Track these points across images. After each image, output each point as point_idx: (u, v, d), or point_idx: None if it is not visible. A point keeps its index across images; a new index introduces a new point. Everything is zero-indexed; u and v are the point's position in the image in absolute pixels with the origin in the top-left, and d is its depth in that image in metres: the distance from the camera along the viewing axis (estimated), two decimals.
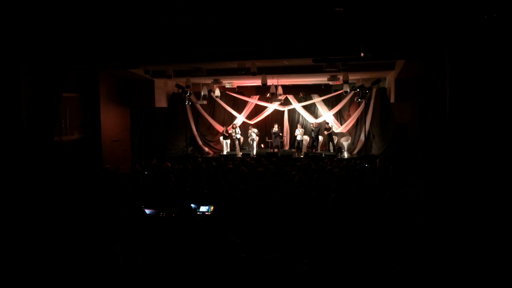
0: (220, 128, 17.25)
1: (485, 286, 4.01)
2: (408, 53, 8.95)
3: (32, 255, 5.01)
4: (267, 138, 17.38)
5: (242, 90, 17.93)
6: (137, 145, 15.87)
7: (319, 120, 16.76)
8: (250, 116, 17.52)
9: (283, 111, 17.46)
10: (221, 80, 15.59)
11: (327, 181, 9.16)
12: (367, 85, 13.42)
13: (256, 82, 14.97)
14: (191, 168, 11.62)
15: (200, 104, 17.08)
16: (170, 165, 12.09)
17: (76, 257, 4.73)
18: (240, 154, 16.15)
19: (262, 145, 17.53)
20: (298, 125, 16.67)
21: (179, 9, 7.17)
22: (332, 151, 16.03)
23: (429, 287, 3.98)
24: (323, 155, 14.83)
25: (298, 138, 16.41)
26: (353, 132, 16.72)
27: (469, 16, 6.62)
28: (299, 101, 17.03)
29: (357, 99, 14.49)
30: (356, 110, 16.16)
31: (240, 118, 17.28)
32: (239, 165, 11.58)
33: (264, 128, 17.96)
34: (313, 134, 16.36)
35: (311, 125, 16.58)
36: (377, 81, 12.53)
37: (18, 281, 4.38)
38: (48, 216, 6.92)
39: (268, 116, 17.65)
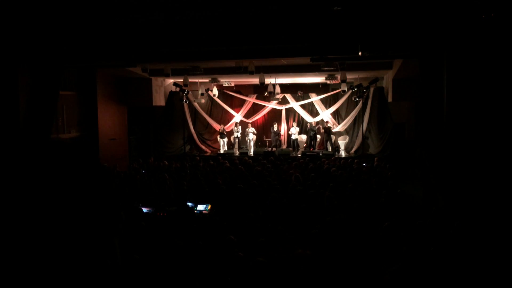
0: (217, 127, 17.24)
1: (483, 285, 4.03)
2: (405, 52, 8.94)
3: (30, 252, 5.00)
4: (264, 137, 17.37)
5: (240, 88, 17.92)
6: (134, 143, 15.84)
7: (317, 119, 16.76)
8: (247, 115, 17.51)
9: (281, 110, 17.46)
10: (219, 79, 15.58)
11: (324, 180, 9.17)
12: (365, 84, 13.44)
13: (254, 81, 14.96)
14: (188, 167, 11.61)
15: (198, 103, 17.07)
16: (167, 163, 12.08)
17: (74, 255, 4.72)
18: (237, 152, 16.14)
19: (259, 143, 17.52)
20: (294, 124, 16.65)
21: (177, 7, 7.16)
22: (329, 150, 16.04)
23: (426, 286, 4.00)
24: (321, 154, 14.84)
25: (293, 137, 16.41)
26: (351, 131, 16.74)
27: (467, 16, 6.63)
28: (297, 100, 17.03)
29: (355, 98, 14.50)
30: (354, 109, 16.17)
31: (237, 117, 17.27)
32: (236, 164, 11.58)
33: (261, 127, 17.96)
34: (311, 133, 16.35)
35: (310, 124, 16.57)
36: (375, 80, 12.54)
37: (16, 278, 4.37)
38: (45, 214, 6.91)
39: (265, 115, 17.65)
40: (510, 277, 4.06)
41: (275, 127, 16.58)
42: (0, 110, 8.78)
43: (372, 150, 15.48)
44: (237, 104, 17.77)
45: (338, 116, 17.17)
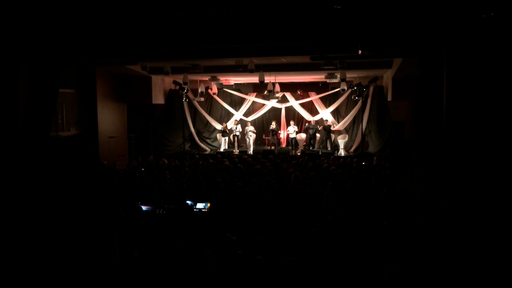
0: (217, 125, 17.24)
1: (482, 284, 4.03)
2: (405, 51, 8.96)
3: (29, 250, 4.99)
4: (263, 135, 17.35)
5: (240, 87, 17.91)
6: (134, 141, 15.83)
7: (316, 118, 16.76)
8: (247, 114, 17.51)
9: (281, 109, 17.44)
10: (219, 77, 15.56)
11: (324, 179, 9.17)
12: (365, 83, 13.43)
13: (254, 79, 14.95)
14: (188, 165, 11.61)
15: (197, 101, 17.05)
16: (167, 161, 12.08)
17: (73, 253, 4.72)
18: (237, 151, 16.13)
19: (258, 142, 17.51)
20: (292, 122, 16.63)
21: (177, 5, 7.15)
22: (329, 148, 16.04)
23: (425, 285, 4.00)
24: (320, 153, 14.84)
25: (291, 135, 16.40)
26: (350, 130, 16.74)
27: (467, 15, 6.64)
28: (297, 98, 17.02)
29: (354, 97, 14.50)
30: (353, 108, 16.17)
31: (237, 115, 17.26)
32: (236, 162, 11.58)
33: (261, 126, 17.94)
34: (310, 132, 16.34)
35: (309, 122, 16.56)
36: (374, 79, 12.54)
37: (15, 276, 4.37)
38: (44, 212, 6.90)
39: (265, 113, 17.64)
40: (510, 277, 4.07)
41: (273, 125, 16.56)
42: (0, 108, 8.78)
43: (371, 149, 15.48)
44: (236, 103, 17.76)
45: (337, 115, 17.16)
